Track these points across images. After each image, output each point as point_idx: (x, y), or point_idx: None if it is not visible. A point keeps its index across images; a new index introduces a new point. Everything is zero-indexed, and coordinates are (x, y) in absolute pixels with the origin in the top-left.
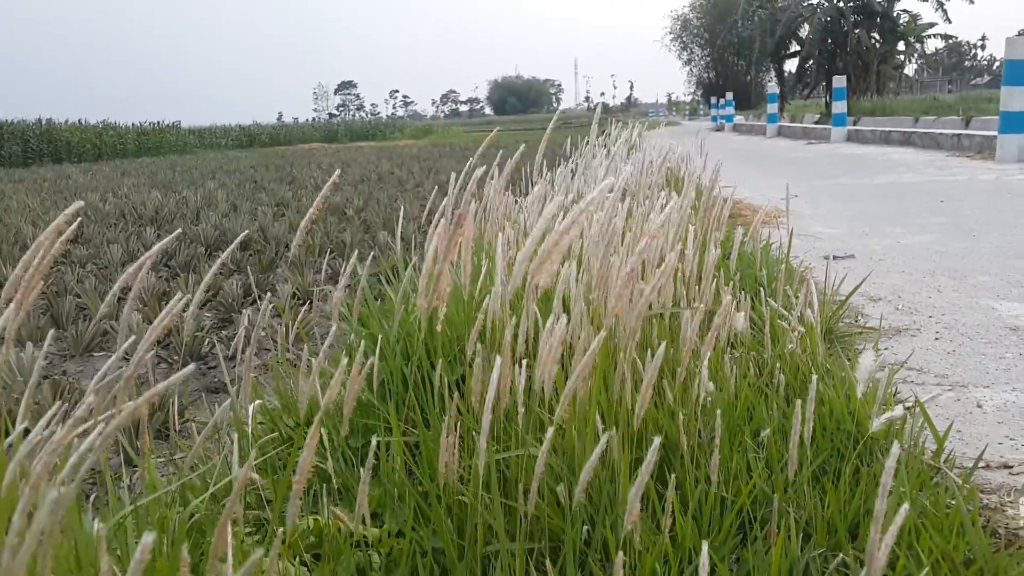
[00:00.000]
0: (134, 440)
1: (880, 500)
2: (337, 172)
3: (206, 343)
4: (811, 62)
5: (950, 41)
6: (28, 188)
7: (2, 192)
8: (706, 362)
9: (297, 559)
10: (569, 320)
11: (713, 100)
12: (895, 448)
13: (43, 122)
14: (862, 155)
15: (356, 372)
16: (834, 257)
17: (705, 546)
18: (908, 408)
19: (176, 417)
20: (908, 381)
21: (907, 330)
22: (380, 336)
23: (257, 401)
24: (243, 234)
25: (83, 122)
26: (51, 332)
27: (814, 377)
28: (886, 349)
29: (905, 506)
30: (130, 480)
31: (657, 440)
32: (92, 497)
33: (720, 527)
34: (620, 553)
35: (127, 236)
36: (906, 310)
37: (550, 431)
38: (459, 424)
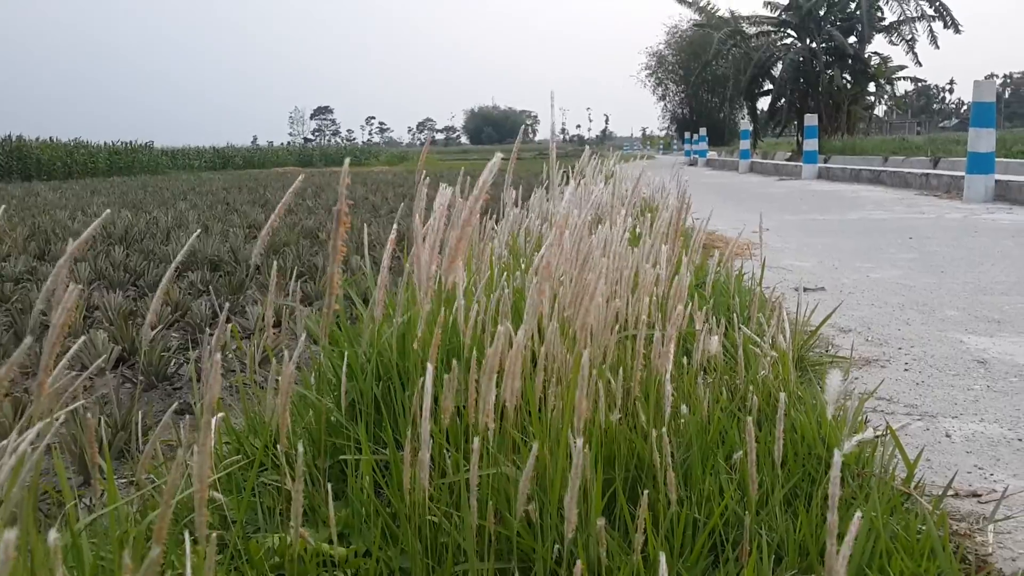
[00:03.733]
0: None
1: (831, 512)
2: (300, 177)
3: (172, 363)
4: (783, 100)
5: (919, 84)
6: None
7: None
8: (668, 377)
9: None
10: (543, 338)
11: (687, 135)
12: (837, 456)
13: (13, 139)
14: (833, 192)
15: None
16: (805, 289)
17: (663, 557)
18: (879, 435)
19: (140, 437)
20: (878, 410)
21: (877, 361)
22: (347, 355)
23: (219, 414)
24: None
25: (54, 139)
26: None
27: (782, 396)
28: (856, 379)
29: (858, 514)
30: (90, 500)
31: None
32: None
33: (692, 548)
34: (579, 563)
35: (95, 255)
36: (876, 341)
37: (534, 451)
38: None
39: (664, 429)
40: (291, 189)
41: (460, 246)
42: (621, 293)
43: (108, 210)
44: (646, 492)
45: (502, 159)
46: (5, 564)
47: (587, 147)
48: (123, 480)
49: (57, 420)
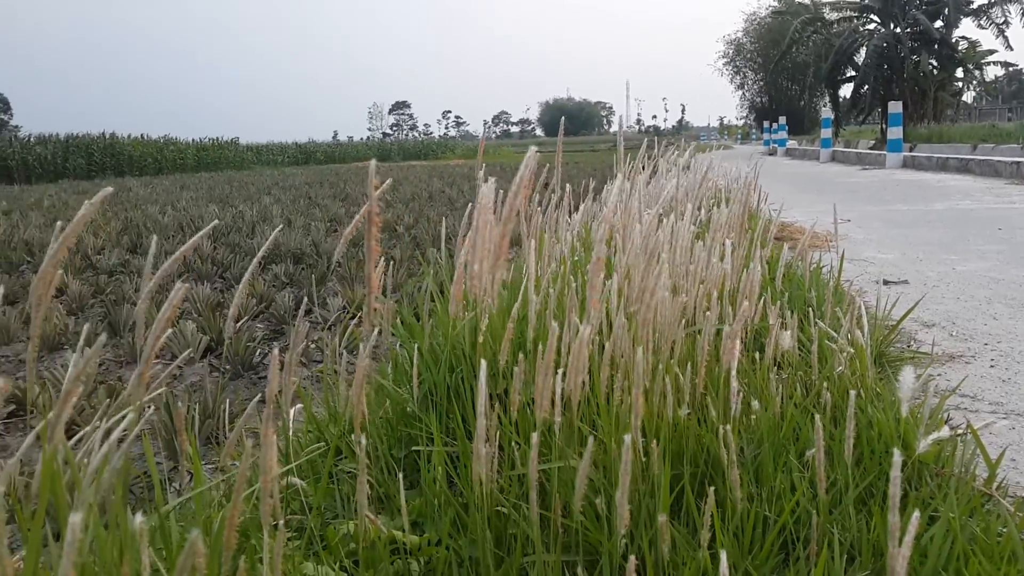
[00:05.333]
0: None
1: (892, 513)
2: (388, 181)
3: (258, 353)
4: (866, 87)
5: (1010, 69)
6: (91, 200)
7: (66, 203)
8: (734, 373)
9: (338, 564)
10: (611, 333)
11: (766, 124)
12: (897, 456)
13: (107, 136)
14: (918, 181)
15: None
16: (887, 282)
17: (723, 554)
18: (959, 434)
19: (226, 424)
20: (961, 408)
21: (961, 356)
22: (417, 347)
23: (297, 406)
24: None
25: (145, 137)
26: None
27: (852, 394)
28: (939, 375)
29: (916, 514)
30: (180, 485)
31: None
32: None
33: (762, 545)
34: (631, 558)
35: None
36: (960, 336)
37: (589, 447)
38: (499, 435)
39: (729, 426)
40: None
41: (504, 243)
42: (688, 288)
43: (216, 220)
44: (712, 488)
45: (536, 148)
46: (72, 545)
47: (646, 139)
48: (211, 465)
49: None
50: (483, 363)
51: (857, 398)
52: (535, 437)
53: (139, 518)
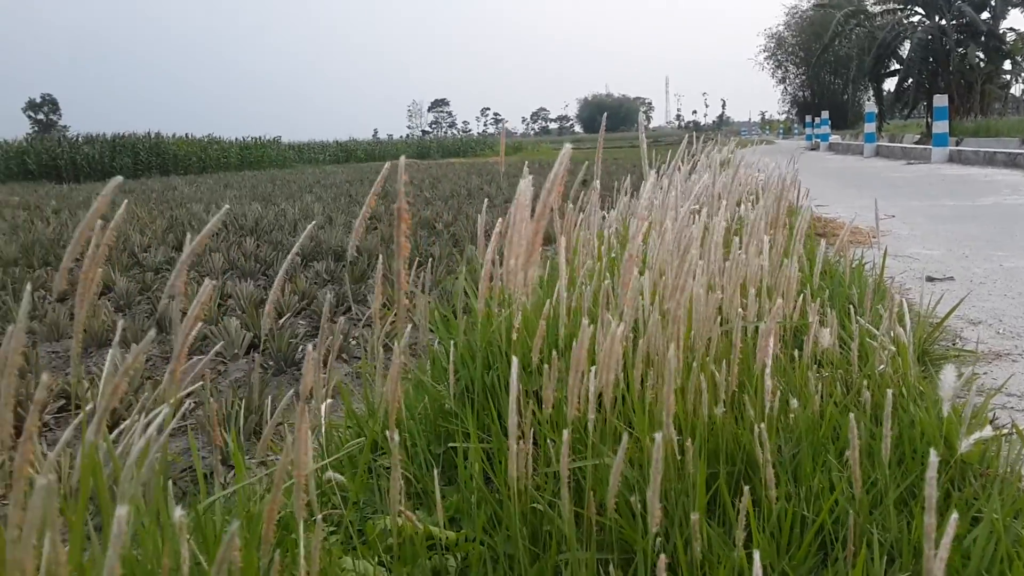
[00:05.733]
0: (237, 441)
1: (928, 514)
2: (402, 159)
3: (299, 350)
4: (911, 81)
5: None
6: (137, 198)
7: (112, 201)
8: (768, 371)
9: (376, 559)
10: (644, 330)
11: (808, 119)
12: (933, 457)
13: (152, 136)
14: (964, 176)
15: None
16: (931, 278)
17: (756, 555)
18: (1005, 433)
19: (268, 419)
20: (1007, 407)
21: (1008, 355)
22: (453, 343)
23: (328, 400)
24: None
25: (189, 136)
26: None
27: (889, 393)
28: (985, 373)
29: (954, 516)
30: (224, 478)
31: (660, 436)
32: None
33: (800, 545)
34: (662, 557)
35: (228, 246)
36: (1008, 334)
37: (622, 446)
38: (535, 431)
39: (763, 424)
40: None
41: (536, 241)
42: (723, 284)
43: (227, 205)
44: (747, 487)
45: (573, 148)
46: (119, 538)
47: (686, 135)
48: (255, 460)
49: (190, 402)
50: (515, 360)
51: (899, 397)
52: (566, 435)
53: (179, 511)
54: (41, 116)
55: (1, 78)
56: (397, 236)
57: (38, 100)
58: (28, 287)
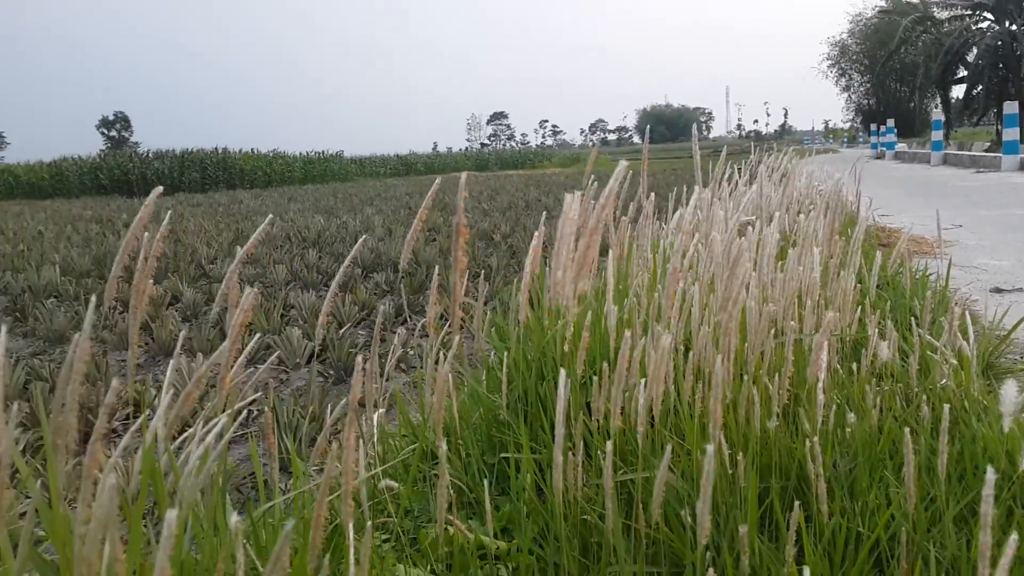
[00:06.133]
0: (300, 447)
1: (984, 531)
2: (464, 175)
3: (361, 358)
4: (980, 88)
5: None
6: (204, 212)
7: (181, 215)
8: (820, 386)
9: (428, 567)
10: (693, 343)
11: (873, 127)
12: (990, 474)
13: (219, 151)
14: None
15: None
16: (999, 290)
17: (807, 571)
18: None
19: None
20: None
21: None
22: (507, 354)
23: (381, 410)
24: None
25: (255, 151)
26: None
27: (946, 408)
28: None
29: (1014, 537)
30: (285, 485)
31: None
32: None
33: (854, 561)
34: (711, 571)
35: (291, 257)
36: None
37: (668, 450)
38: (585, 443)
39: (816, 438)
40: (429, 193)
41: (589, 254)
42: (776, 297)
43: (270, 215)
44: (798, 502)
45: (627, 163)
46: (168, 540)
47: (752, 144)
48: (315, 468)
49: (254, 410)
50: (562, 372)
51: (961, 411)
52: (609, 446)
53: (235, 517)
54: (114, 133)
55: (78, 97)
56: (455, 250)
57: (111, 117)
58: (92, 299)
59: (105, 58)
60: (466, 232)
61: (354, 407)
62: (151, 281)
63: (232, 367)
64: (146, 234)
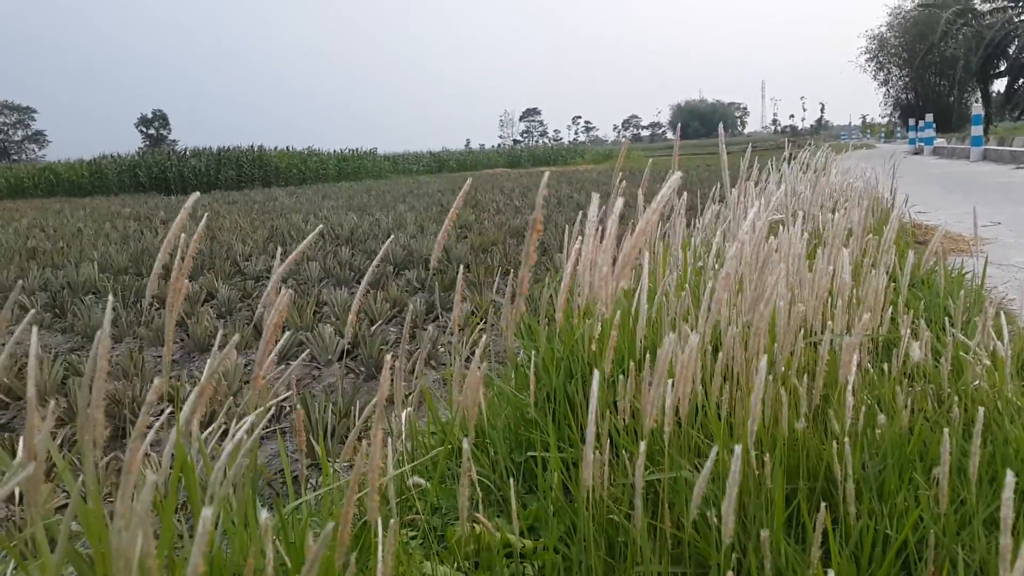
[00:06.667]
0: (328, 446)
1: (1004, 535)
2: (468, 182)
3: (390, 356)
4: (1021, 81)
5: None
6: (240, 209)
7: (217, 212)
8: (851, 388)
9: (455, 564)
10: (721, 344)
11: (911, 122)
12: (1010, 477)
13: (255, 149)
14: None
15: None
16: None
17: (831, 574)
18: None
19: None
20: None
21: None
22: (535, 352)
23: (407, 410)
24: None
25: (290, 149)
26: (235, 337)
27: (980, 411)
28: None
29: None
30: (316, 482)
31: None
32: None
33: (881, 564)
34: (729, 574)
35: (324, 255)
36: None
37: (712, 456)
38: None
39: (846, 439)
40: (459, 195)
41: (632, 253)
42: (805, 297)
43: (321, 225)
44: (824, 504)
45: (659, 156)
46: (203, 536)
47: (787, 140)
48: (347, 463)
49: (286, 406)
50: (595, 373)
51: (994, 413)
52: (642, 446)
53: (265, 514)
54: (152, 131)
55: (118, 96)
56: (528, 245)
57: (149, 116)
58: (110, 297)
59: (145, 57)
60: (541, 228)
61: (382, 406)
62: (187, 279)
63: (264, 364)
64: (182, 235)
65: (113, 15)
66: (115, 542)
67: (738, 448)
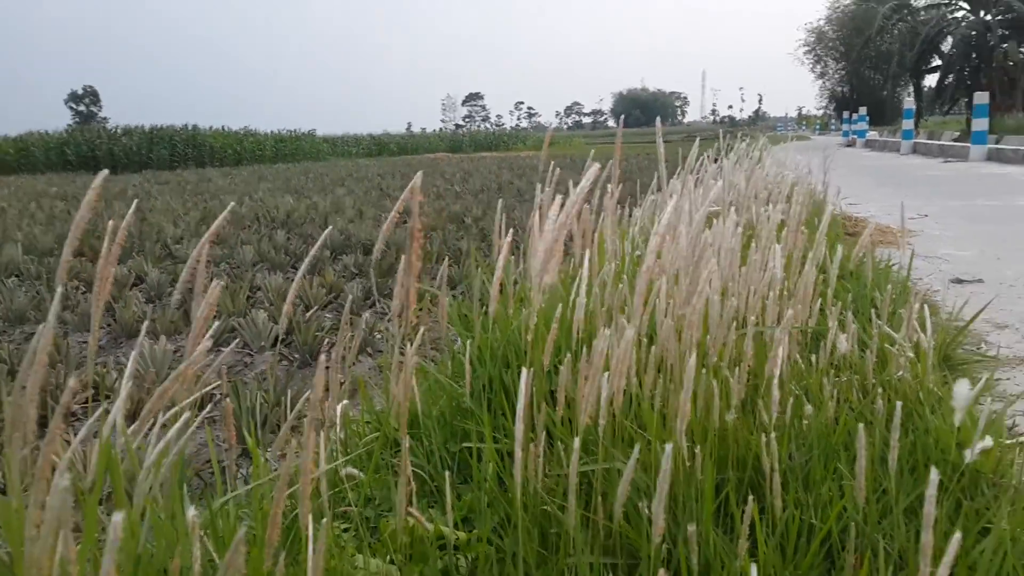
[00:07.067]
0: (259, 436)
1: (925, 531)
2: (418, 177)
3: (325, 343)
4: (952, 77)
5: None
6: (172, 190)
7: (148, 193)
8: (776, 382)
9: (388, 557)
10: (655, 336)
11: (846, 115)
12: (934, 475)
13: (189, 128)
14: (1002, 175)
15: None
16: (960, 281)
17: (754, 568)
18: (1020, 442)
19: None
20: None
21: None
22: (470, 342)
23: (342, 403)
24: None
25: (226, 128)
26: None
27: (898, 405)
28: (1008, 379)
29: (957, 536)
30: (247, 471)
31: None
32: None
33: (806, 553)
34: (661, 572)
35: (259, 238)
36: None
37: (635, 452)
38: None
39: (774, 435)
40: (406, 190)
41: (556, 248)
42: (738, 291)
43: (232, 202)
44: (751, 497)
45: (601, 144)
46: (113, 544)
47: (721, 131)
48: (280, 454)
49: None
50: (524, 371)
51: (916, 403)
52: (576, 443)
53: (192, 511)
54: (82, 108)
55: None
56: (409, 256)
57: (80, 92)
58: (59, 291)
59: (75, 30)
60: (421, 239)
61: (316, 407)
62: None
63: (191, 362)
64: (111, 221)
65: None
66: (28, 549)
67: (669, 447)
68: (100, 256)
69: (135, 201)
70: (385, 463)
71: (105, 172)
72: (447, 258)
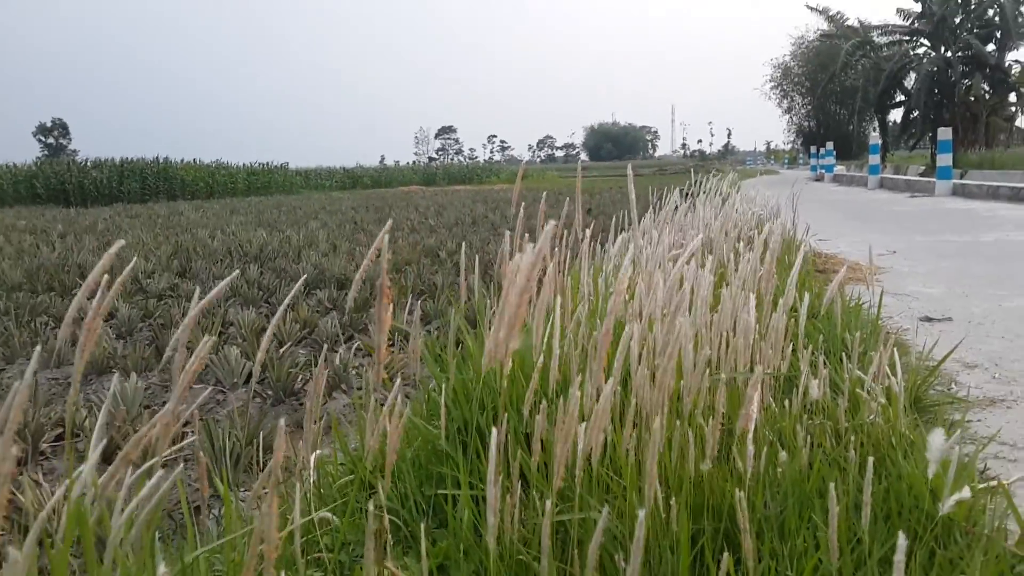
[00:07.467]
0: (229, 475)
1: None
2: (389, 223)
3: (299, 379)
4: (916, 113)
5: None
6: (143, 223)
7: (119, 226)
8: (751, 437)
9: None
10: (630, 384)
11: (813, 149)
12: (902, 540)
13: (160, 161)
14: (967, 210)
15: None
16: (930, 319)
17: None
18: (991, 488)
19: (262, 453)
20: (1000, 457)
21: (1003, 401)
22: (445, 383)
23: (316, 452)
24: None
25: (197, 161)
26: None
27: (870, 460)
28: (978, 421)
29: None
30: (218, 511)
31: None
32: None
33: None
34: None
35: (232, 273)
36: (1004, 379)
37: (604, 514)
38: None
39: (742, 493)
40: (382, 232)
41: (520, 313)
42: (711, 338)
43: (231, 276)
44: (726, 555)
45: (554, 223)
46: None
47: (692, 165)
48: (251, 494)
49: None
50: (493, 431)
51: (888, 448)
52: (548, 506)
53: (162, 569)
54: (51, 140)
55: (14, 103)
56: (379, 311)
57: (48, 124)
58: (38, 349)
59: (44, 61)
60: (390, 294)
61: (276, 475)
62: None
63: (175, 415)
64: (105, 276)
65: (11, 15)
66: None
67: (642, 513)
68: (89, 313)
69: (119, 243)
70: (359, 507)
71: (121, 242)
72: (422, 293)
